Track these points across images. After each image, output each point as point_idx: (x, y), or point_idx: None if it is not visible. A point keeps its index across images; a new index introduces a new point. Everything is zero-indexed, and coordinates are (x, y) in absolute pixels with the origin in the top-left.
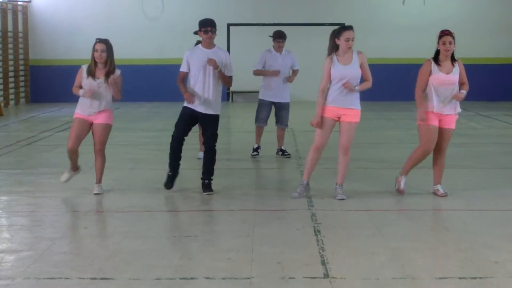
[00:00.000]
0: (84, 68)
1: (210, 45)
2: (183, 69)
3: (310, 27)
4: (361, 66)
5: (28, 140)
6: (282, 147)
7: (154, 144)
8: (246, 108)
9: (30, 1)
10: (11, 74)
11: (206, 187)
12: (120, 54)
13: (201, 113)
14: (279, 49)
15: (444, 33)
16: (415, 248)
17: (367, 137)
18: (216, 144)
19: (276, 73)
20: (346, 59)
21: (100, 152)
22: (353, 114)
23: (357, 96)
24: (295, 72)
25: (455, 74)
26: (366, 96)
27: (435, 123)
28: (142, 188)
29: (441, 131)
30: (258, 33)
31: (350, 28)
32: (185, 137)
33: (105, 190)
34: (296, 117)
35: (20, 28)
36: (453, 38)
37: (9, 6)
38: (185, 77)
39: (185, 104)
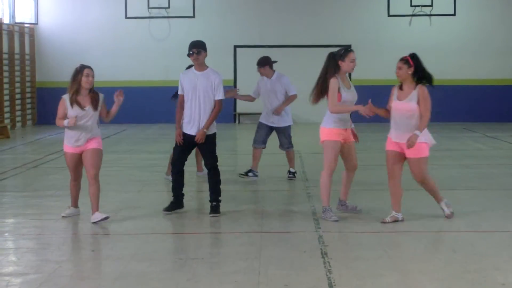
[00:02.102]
0: (66, 98)
1: (200, 66)
2: (179, 92)
3: (315, 48)
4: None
5: (35, 162)
6: (291, 169)
7: (161, 166)
8: (252, 130)
9: (37, 23)
10: (17, 96)
11: (213, 209)
12: (127, 76)
13: (193, 135)
14: (262, 75)
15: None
16: (423, 270)
17: (373, 158)
18: (217, 163)
19: (246, 97)
20: (347, 82)
21: (95, 177)
22: (350, 133)
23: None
24: (289, 98)
25: (410, 101)
26: (372, 117)
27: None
28: (149, 211)
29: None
30: (263, 55)
31: (352, 49)
32: (185, 163)
33: (111, 213)
34: (302, 139)
35: (27, 50)
36: (406, 63)
37: (16, 28)
38: (183, 100)
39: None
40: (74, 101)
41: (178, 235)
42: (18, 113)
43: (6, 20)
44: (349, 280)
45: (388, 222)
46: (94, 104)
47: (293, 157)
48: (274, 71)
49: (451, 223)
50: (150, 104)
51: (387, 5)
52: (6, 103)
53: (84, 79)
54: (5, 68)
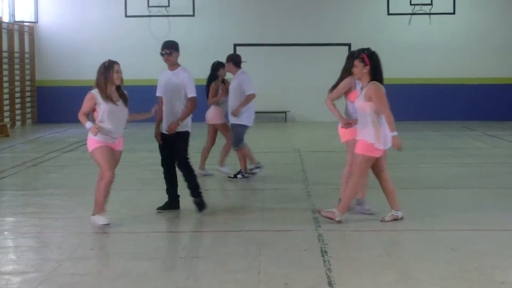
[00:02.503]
0: (96, 93)
1: (171, 66)
2: (157, 93)
3: (315, 47)
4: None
5: (35, 161)
6: (243, 169)
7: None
8: (252, 128)
9: (36, 22)
10: (17, 95)
11: (199, 205)
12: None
13: (167, 133)
14: (227, 71)
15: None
16: (422, 269)
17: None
18: (187, 157)
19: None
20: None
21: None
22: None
23: None
24: (247, 98)
25: (361, 99)
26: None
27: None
28: (149, 209)
29: None
30: (264, 53)
31: (367, 50)
32: (173, 161)
33: (112, 212)
34: (303, 138)
35: (27, 49)
36: (362, 61)
37: (16, 27)
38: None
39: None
40: (107, 96)
41: (178, 234)
42: (17, 111)
43: (6, 19)
44: (349, 278)
45: (388, 221)
46: (125, 100)
47: (243, 157)
48: (239, 69)
49: (450, 222)
50: (150, 102)
51: (386, 3)
52: (6, 102)
53: (115, 75)
54: (5, 66)
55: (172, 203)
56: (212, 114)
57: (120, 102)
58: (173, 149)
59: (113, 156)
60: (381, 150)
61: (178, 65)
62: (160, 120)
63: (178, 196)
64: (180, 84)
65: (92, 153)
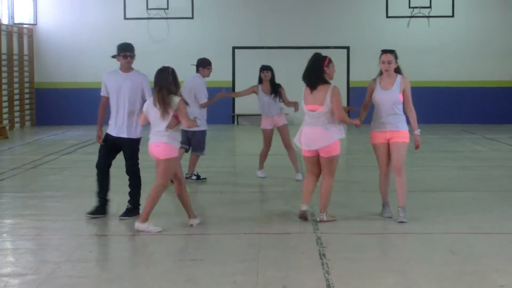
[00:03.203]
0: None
1: (127, 69)
2: (102, 93)
3: (314, 50)
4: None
5: (33, 163)
6: (194, 172)
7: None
8: (251, 131)
9: (35, 24)
10: (16, 97)
11: (126, 212)
12: None
13: (115, 137)
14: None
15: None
16: (421, 271)
17: (372, 159)
18: (138, 167)
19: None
20: (386, 83)
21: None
22: (402, 135)
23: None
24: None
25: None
26: (369, 119)
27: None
28: None
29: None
30: (262, 56)
31: (386, 51)
32: (110, 165)
33: (111, 214)
34: None
35: (26, 51)
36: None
37: (15, 29)
38: (106, 102)
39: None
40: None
41: (176, 236)
42: (16, 113)
43: (5, 21)
44: (348, 281)
45: (326, 221)
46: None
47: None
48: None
49: (449, 225)
50: None
51: (385, 6)
52: (5, 104)
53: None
54: (4, 68)
55: (103, 208)
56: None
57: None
58: (114, 154)
59: None
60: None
61: (132, 68)
62: (102, 121)
63: (108, 200)
64: (137, 87)
65: (168, 161)
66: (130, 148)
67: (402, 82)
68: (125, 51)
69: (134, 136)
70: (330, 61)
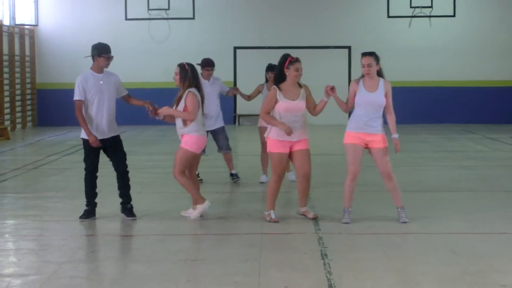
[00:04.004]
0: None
1: (101, 69)
2: (80, 97)
3: (315, 50)
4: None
5: (35, 164)
6: (232, 171)
7: (161, 167)
8: (252, 131)
9: (37, 25)
10: (18, 97)
11: (130, 211)
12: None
13: (107, 138)
14: (208, 76)
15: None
16: (422, 272)
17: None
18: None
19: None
20: (371, 84)
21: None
22: (382, 139)
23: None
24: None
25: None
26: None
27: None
28: (149, 212)
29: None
30: (263, 56)
31: (366, 54)
32: (97, 167)
33: (112, 214)
34: None
35: (27, 52)
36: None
37: (16, 30)
38: (82, 106)
39: (84, 136)
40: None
41: (177, 236)
42: (18, 114)
43: (6, 22)
44: (349, 281)
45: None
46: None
47: (231, 159)
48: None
49: (450, 225)
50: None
51: (386, 6)
52: (6, 105)
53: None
54: (5, 69)
55: (93, 212)
56: None
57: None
58: (98, 158)
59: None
60: None
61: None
62: (87, 125)
63: (96, 204)
64: (115, 85)
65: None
66: (120, 144)
67: (385, 86)
68: (108, 52)
69: (119, 132)
70: (290, 62)
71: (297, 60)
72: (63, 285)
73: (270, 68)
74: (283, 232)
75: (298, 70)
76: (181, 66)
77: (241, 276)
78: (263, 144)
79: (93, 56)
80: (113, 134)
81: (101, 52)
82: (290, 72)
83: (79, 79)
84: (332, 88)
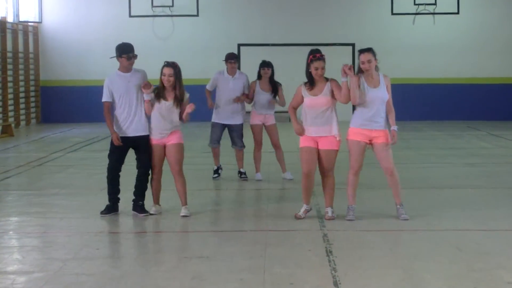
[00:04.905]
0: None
1: (130, 69)
2: (107, 99)
3: (319, 47)
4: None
5: (39, 161)
6: (241, 169)
7: (165, 165)
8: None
9: (40, 22)
10: (22, 94)
11: (141, 208)
12: None
13: (132, 137)
14: (232, 70)
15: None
16: (428, 269)
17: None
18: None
19: (212, 104)
20: (373, 81)
21: (179, 173)
22: (386, 134)
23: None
24: (247, 95)
25: (325, 95)
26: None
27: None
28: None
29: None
30: (267, 53)
31: (363, 50)
32: (121, 168)
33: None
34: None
35: (31, 49)
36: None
37: (20, 27)
38: (111, 107)
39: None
40: (158, 96)
41: (183, 233)
42: (22, 111)
43: (10, 19)
44: (354, 278)
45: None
46: (177, 101)
47: (242, 157)
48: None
49: (456, 222)
50: None
51: (390, 3)
52: (10, 102)
53: (163, 78)
54: (9, 66)
55: (115, 207)
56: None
57: (169, 103)
58: (125, 156)
59: (161, 152)
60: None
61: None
62: (112, 124)
63: (119, 199)
64: (138, 85)
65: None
66: (146, 144)
67: (386, 80)
68: (129, 52)
69: (147, 132)
70: (311, 61)
71: (318, 58)
72: (68, 283)
73: (264, 64)
74: (288, 229)
75: (317, 69)
76: (175, 65)
77: (246, 273)
78: (257, 142)
79: (116, 57)
80: (143, 133)
81: (122, 52)
82: (311, 70)
83: (106, 81)
84: (350, 68)
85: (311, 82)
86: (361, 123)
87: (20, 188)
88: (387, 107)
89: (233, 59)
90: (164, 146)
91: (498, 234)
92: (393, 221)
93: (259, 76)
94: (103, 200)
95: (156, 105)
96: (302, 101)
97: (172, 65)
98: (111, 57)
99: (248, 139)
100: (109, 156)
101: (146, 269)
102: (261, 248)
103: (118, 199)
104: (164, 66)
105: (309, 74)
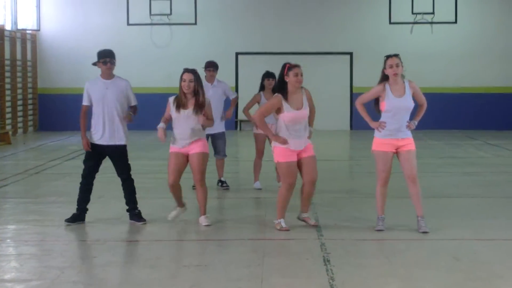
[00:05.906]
0: (171, 100)
1: (110, 75)
2: (85, 102)
3: (317, 55)
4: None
5: (37, 168)
6: (222, 178)
7: (163, 172)
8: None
9: (39, 30)
10: (19, 102)
11: (138, 216)
12: None
13: (105, 145)
14: (210, 78)
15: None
16: (425, 278)
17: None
18: (131, 172)
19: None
20: (398, 89)
21: (200, 182)
22: (412, 142)
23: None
24: (233, 101)
25: (305, 108)
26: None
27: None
28: (152, 217)
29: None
30: (265, 62)
31: (390, 55)
32: (95, 175)
33: (114, 219)
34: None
35: (29, 56)
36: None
37: (18, 34)
38: (87, 110)
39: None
40: (178, 104)
41: (181, 242)
42: (19, 119)
43: (8, 27)
44: (352, 287)
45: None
46: (198, 108)
47: (223, 166)
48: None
49: (453, 231)
50: (152, 110)
51: (388, 12)
52: (8, 109)
53: (183, 84)
54: (7, 74)
55: (81, 216)
56: None
57: (188, 110)
58: (100, 163)
59: (182, 161)
60: None
61: (114, 74)
62: (85, 129)
63: (87, 209)
64: (122, 92)
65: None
66: (122, 153)
67: (411, 87)
68: (105, 57)
69: (123, 142)
70: (289, 68)
71: (296, 65)
72: None
73: (268, 75)
74: (286, 238)
75: (297, 75)
76: (195, 71)
77: (244, 282)
78: (258, 150)
79: (96, 63)
80: (117, 143)
81: (99, 57)
82: (290, 79)
83: (86, 84)
84: (381, 126)
85: (285, 93)
86: (387, 133)
87: (18, 196)
88: (419, 105)
89: (211, 67)
90: (187, 156)
91: (496, 243)
92: (391, 230)
93: (262, 87)
94: (100, 208)
95: (176, 114)
96: (275, 112)
97: (192, 71)
98: (92, 63)
99: (248, 148)
100: (84, 162)
101: (144, 277)
102: (259, 257)
103: (87, 209)
104: (184, 72)
105: (284, 85)
